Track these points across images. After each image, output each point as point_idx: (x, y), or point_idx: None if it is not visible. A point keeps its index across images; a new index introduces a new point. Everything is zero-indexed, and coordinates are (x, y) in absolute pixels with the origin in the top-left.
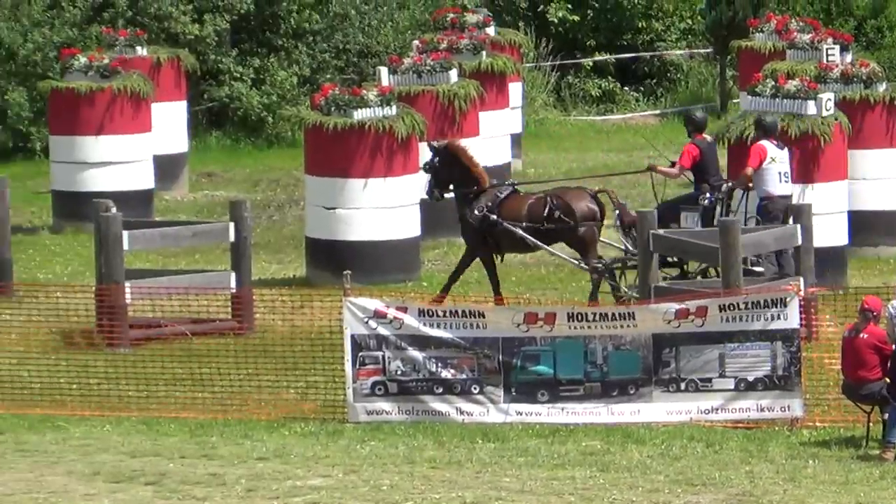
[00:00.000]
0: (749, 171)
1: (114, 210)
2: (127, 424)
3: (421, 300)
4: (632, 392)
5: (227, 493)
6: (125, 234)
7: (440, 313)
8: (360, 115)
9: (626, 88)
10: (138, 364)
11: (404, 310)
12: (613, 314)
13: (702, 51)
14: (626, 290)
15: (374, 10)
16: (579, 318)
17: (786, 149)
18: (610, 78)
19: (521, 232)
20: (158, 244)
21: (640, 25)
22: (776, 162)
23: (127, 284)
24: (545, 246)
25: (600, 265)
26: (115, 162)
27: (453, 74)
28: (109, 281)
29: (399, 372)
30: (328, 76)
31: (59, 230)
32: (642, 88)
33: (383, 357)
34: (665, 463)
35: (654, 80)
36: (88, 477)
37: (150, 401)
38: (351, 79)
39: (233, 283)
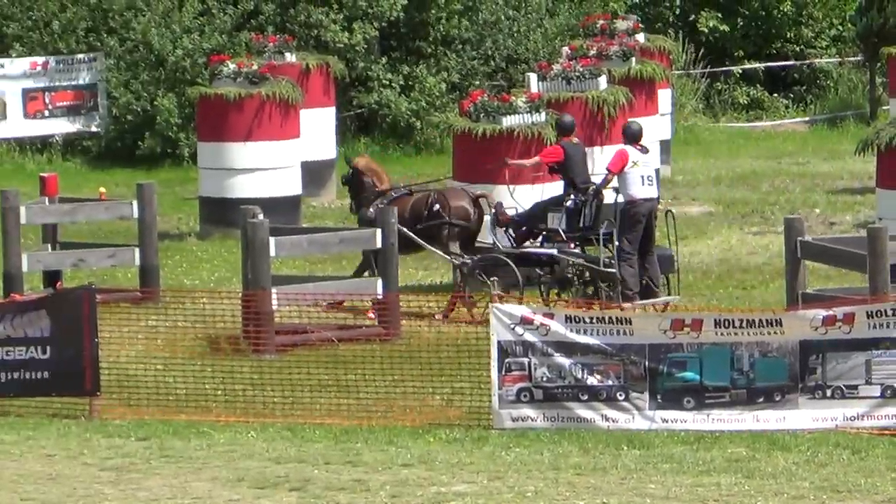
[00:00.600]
0: (610, 175)
1: (261, 216)
2: (272, 431)
3: (567, 306)
4: (777, 399)
5: (371, 499)
6: (272, 240)
7: (587, 320)
8: (508, 121)
9: (775, 95)
10: (283, 370)
11: (551, 316)
12: (761, 321)
13: (852, 58)
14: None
15: (523, 17)
16: (726, 324)
17: (650, 152)
18: (759, 86)
19: (404, 230)
20: (305, 250)
21: (789, 34)
22: (638, 165)
23: (273, 290)
24: (424, 243)
25: (467, 262)
26: (263, 168)
27: (602, 81)
28: (256, 287)
29: (545, 378)
30: (477, 83)
31: (206, 236)
32: (791, 95)
33: (529, 363)
34: (810, 470)
35: (804, 87)
36: (233, 483)
37: (295, 407)
38: (500, 85)
39: (379, 290)
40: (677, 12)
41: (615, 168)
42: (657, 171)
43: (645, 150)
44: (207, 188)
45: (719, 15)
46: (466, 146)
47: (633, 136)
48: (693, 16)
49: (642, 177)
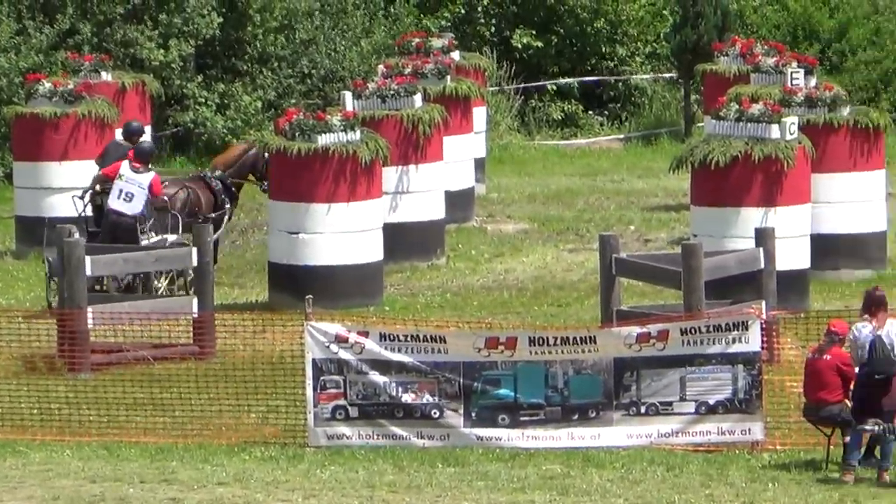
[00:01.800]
0: (98, 174)
1: (76, 235)
2: (87, 449)
3: (383, 325)
4: (592, 416)
5: None
6: (87, 259)
7: (401, 338)
8: (323, 140)
9: (589, 112)
10: (99, 389)
11: (365, 334)
12: (575, 338)
13: (666, 75)
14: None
15: (339, 36)
16: (540, 342)
17: (143, 173)
18: (573, 101)
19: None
20: (121, 269)
21: (604, 50)
22: (122, 180)
23: (89, 309)
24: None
25: None
26: (79, 187)
27: (417, 99)
28: (72, 306)
29: (360, 396)
30: (293, 101)
31: (21, 256)
32: (607, 112)
33: (344, 381)
34: (625, 487)
35: (619, 105)
36: (48, 502)
37: (111, 426)
38: (315, 104)
39: (195, 308)
40: (492, 29)
41: (107, 172)
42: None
43: (138, 171)
44: (23, 207)
45: (534, 32)
46: (282, 165)
47: (138, 153)
48: (507, 33)
49: (119, 190)
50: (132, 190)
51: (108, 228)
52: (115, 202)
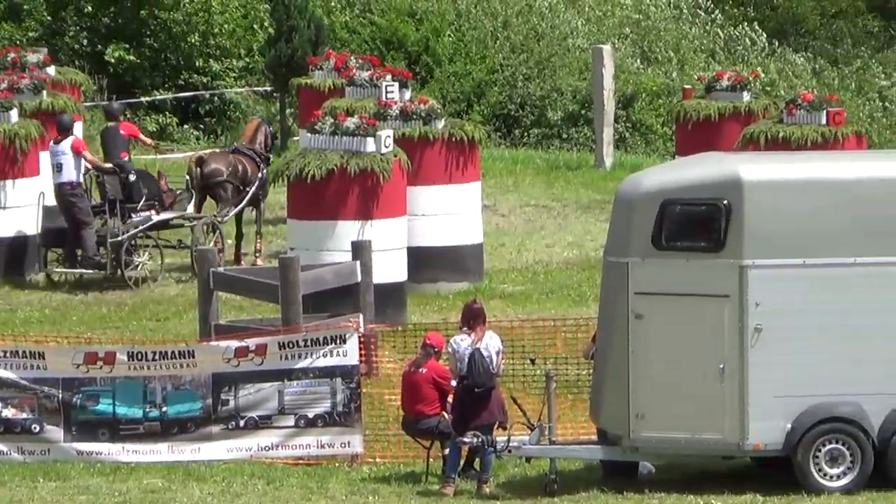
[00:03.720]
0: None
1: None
2: None
3: None
4: (192, 430)
5: None
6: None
7: (1, 353)
8: None
9: (185, 126)
10: None
11: None
12: (173, 352)
13: (261, 89)
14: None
15: None
16: (139, 357)
17: (62, 142)
18: (167, 114)
19: None
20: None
21: (198, 64)
22: (52, 155)
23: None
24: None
25: None
26: None
27: (13, 114)
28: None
29: None
30: None
31: None
32: (202, 126)
33: None
34: (226, 500)
35: (214, 119)
36: None
37: None
38: None
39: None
40: (84, 43)
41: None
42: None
43: (58, 141)
44: None
45: (127, 46)
46: None
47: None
48: (100, 46)
49: (53, 165)
50: (59, 160)
51: (58, 202)
52: (53, 177)
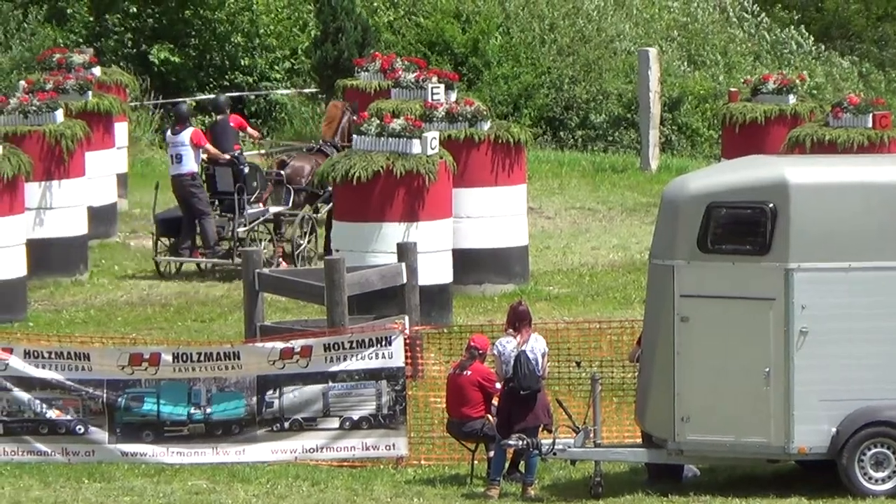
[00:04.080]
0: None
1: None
2: None
3: (27, 341)
4: (236, 432)
5: None
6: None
7: (46, 354)
8: None
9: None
10: None
11: (10, 351)
12: (218, 354)
13: (307, 90)
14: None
15: None
16: (184, 358)
17: (180, 133)
18: (213, 115)
19: None
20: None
21: (244, 64)
22: (168, 146)
23: None
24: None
25: None
26: None
27: (59, 114)
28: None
29: (4, 413)
30: None
31: None
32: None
33: None
34: (271, 502)
35: (260, 120)
36: None
37: None
38: None
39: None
40: (129, 44)
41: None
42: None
43: (178, 132)
44: None
45: (172, 46)
46: None
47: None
48: (145, 47)
49: (171, 155)
50: (179, 151)
51: (175, 193)
52: (170, 168)
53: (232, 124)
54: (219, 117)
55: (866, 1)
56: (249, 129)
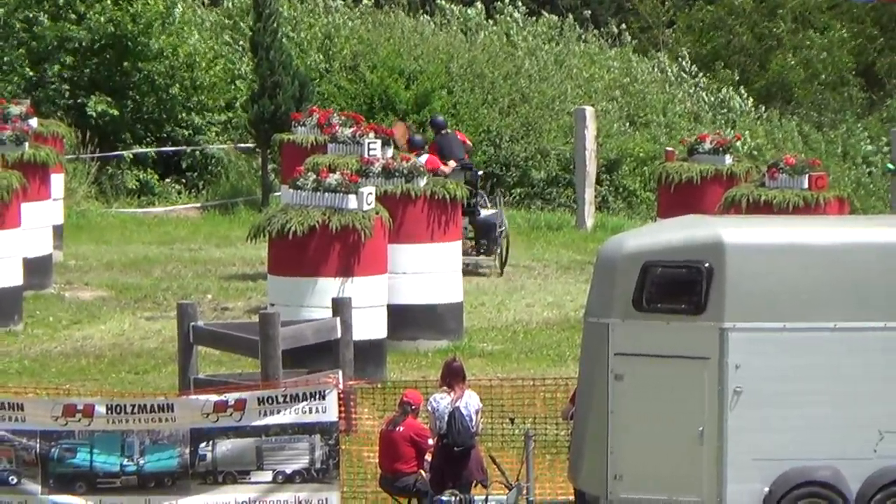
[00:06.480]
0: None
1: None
2: None
3: None
4: (169, 484)
5: None
6: None
7: None
8: None
9: (167, 180)
10: None
11: None
12: (152, 406)
13: (243, 144)
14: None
15: None
16: (118, 410)
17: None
18: (150, 170)
19: None
20: None
21: (180, 118)
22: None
23: None
24: None
25: None
26: None
27: None
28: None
29: None
30: None
31: None
32: (184, 181)
33: None
34: None
35: (196, 173)
36: None
37: None
38: None
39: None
40: (66, 95)
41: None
42: None
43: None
44: None
45: (109, 99)
46: None
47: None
48: (82, 99)
49: None
50: None
51: None
52: None
53: (459, 136)
54: (445, 132)
55: (808, 66)
56: (468, 143)
